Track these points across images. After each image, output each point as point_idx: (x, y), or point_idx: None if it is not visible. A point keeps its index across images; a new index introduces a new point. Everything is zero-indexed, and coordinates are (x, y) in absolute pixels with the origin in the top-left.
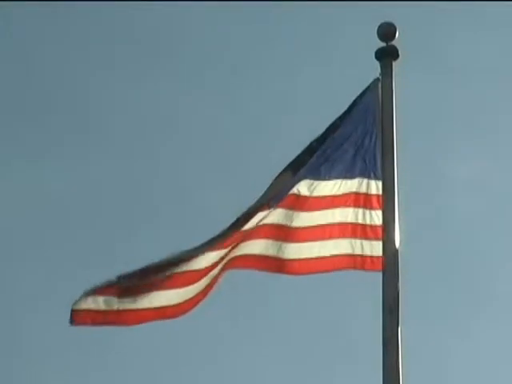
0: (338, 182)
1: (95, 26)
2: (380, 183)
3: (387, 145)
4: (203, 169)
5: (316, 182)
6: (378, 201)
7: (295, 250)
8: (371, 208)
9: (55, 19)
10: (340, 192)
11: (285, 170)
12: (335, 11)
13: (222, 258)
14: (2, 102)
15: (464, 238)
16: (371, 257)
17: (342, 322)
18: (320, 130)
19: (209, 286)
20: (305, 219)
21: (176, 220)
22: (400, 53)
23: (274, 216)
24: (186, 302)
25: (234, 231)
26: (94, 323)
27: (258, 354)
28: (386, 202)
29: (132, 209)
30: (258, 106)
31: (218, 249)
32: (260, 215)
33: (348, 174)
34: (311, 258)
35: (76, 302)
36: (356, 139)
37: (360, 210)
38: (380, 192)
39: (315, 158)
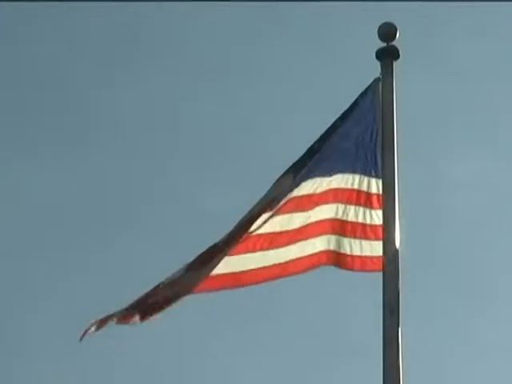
0: (340, 176)
1: (95, 25)
2: (380, 182)
3: (387, 144)
4: (203, 169)
5: (319, 180)
6: (378, 200)
7: (295, 251)
8: (371, 207)
9: (55, 19)
10: (343, 186)
11: (286, 172)
12: (335, 11)
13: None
14: (2, 102)
15: (464, 238)
16: (371, 257)
17: (343, 321)
18: (320, 130)
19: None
20: (307, 217)
21: (176, 220)
22: (400, 53)
23: (274, 223)
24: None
25: (240, 235)
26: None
27: (258, 354)
28: (386, 202)
29: (132, 209)
30: (258, 106)
31: (230, 255)
32: (263, 218)
33: (350, 170)
34: (311, 255)
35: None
36: (357, 137)
37: (361, 209)
38: (380, 191)
39: (316, 159)
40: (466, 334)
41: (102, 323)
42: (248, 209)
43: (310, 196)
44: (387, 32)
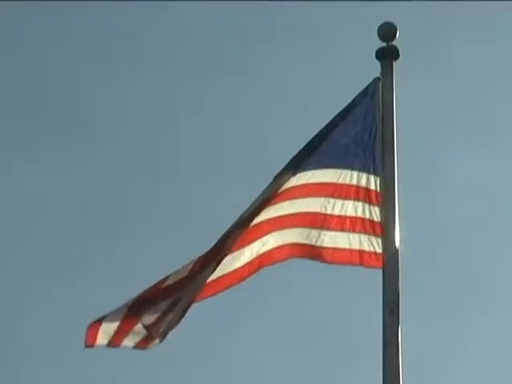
0: (339, 171)
1: (95, 25)
2: (378, 179)
3: (387, 144)
4: (204, 168)
5: (317, 171)
6: (377, 196)
7: (297, 236)
8: (370, 203)
9: (55, 19)
10: (340, 181)
11: (284, 169)
12: (335, 11)
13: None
14: (2, 102)
15: (464, 238)
16: (369, 252)
17: (343, 321)
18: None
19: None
20: (304, 204)
21: (176, 220)
22: (400, 53)
23: (293, 206)
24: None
25: (242, 230)
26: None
27: (258, 354)
28: (387, 202)
29: (133, 208)
30: (259, 106)
31: (232, 252)
32: (267, 209)
33: (349, 166)
34: (304, 244)
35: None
36: (356, 135)
37: (360, 204)
38: (378, 188)
39: (315, 154)
40: (466, 333)
41: (115, 342)
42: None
43: (304, 186)
44: (387, 32)
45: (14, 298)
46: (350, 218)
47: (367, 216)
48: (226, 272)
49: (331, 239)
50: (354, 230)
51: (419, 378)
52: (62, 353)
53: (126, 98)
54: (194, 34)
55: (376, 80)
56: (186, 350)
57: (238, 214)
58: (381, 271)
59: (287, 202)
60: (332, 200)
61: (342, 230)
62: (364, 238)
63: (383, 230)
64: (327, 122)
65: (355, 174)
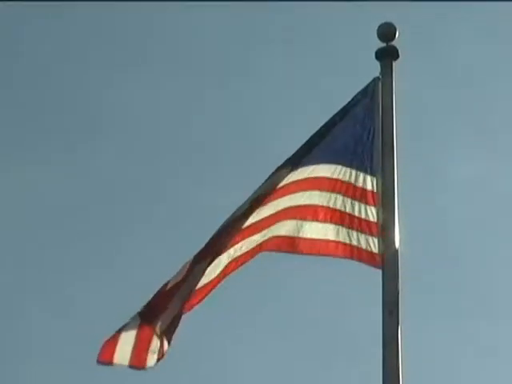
0: (339, 167)
1: (95, 25)
2: (375, 180)
3: (387, 145)
4: (203, 167)
5: (317, 166)
6: (373, 197)
7: (298, 228)
8: (366, 203)
9: (55, 19)
10: (341, 178)
11: (283, 165)
12: (335, 11)
13: (233, 257)
14: (2, 102)
15: (464, 238)
16: (366, 251)
17: (342, 322)
18: None
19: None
20: (304, 197)
21: (175, 220)
22: (400, 53)
23: (294, 199)
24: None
25: (236, 229)
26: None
27: (257, 354)
28: (386, 203)
29: (132, 209)
30: (259, 105)
31: (223, 251)
32: (261, 207)
33: (348, 163)
34: (311, 238)
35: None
36: (355, 134)
37: (356, 203)
38: (374, 188)
39: (316, 150)
40: (466, 333)
41: (138, 363)
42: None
43: (304, 180)
44: (387, 32)
45: (14, 298)
46: (349, 214)
47: (363, 216)
48: (216, 273)
49: (332, 232)
50: (352, 227)
51: (419, 378)
52: (61, 353)
53: (127, 99)
54: (195, 35)
55: (376, 80)
56: (184, 349)
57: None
58: (380, 271)
59: (287, 197)
60: (333, 195)
61: (343, 224)
62: (361, 236)
63: (383, 230)
64: (323, 123)
65: (354, 172)
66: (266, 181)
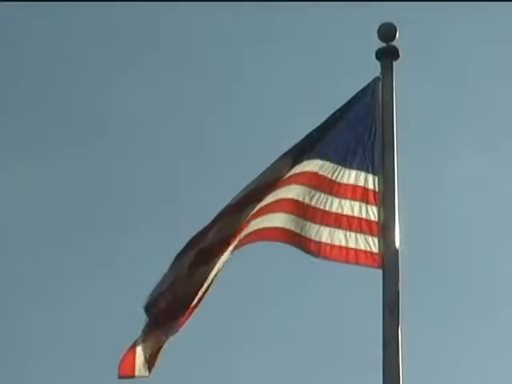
0: (339, 168)
1: (95, 25)
2: (376, 179)
3: (387, 145)
4: (202, 165)
5: (322, 162)
6: (374, 196)
7: (314, 231)
8: (367, 202)
9: (54, 19)
10: (338, 180)
11: (284, 155)
12: (335, 11)
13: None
14: (2, 102)
15: (464, 238)
16: (365, 251)
17: (342, 322)
18: None
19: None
20: (308, 196)
21: (175, 216)
22: (400, 53)
23: (291, 191)
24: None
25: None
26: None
27: (257, 354)
28: (386, 203)
29: (131, 208)
30: (258, 105)
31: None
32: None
33: (347, 164)
34: (311, 239)
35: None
36: (356, 133)
37: (356, 203)
38: (376, 188)
39: (319, 145)
40: (466, 333)
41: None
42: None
43: (302, 173)
44: (387, 32)
45: (14, 299)
46: (347, 216)
47: (364, 216)
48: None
49: (329, 235)
50: (350, 229)
51: (419, 378)
52: (61, 352)
53: (127, 99)
54: (195, 35)
55: (376, 79)
56: (184, 350)
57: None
58: (380, 271)
59: (289, 187)
60: (330, 197)
61: (340, 227)
62: (360, 237)
63: (383, 230)
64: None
65: (353, 172)
66: (264, 172)
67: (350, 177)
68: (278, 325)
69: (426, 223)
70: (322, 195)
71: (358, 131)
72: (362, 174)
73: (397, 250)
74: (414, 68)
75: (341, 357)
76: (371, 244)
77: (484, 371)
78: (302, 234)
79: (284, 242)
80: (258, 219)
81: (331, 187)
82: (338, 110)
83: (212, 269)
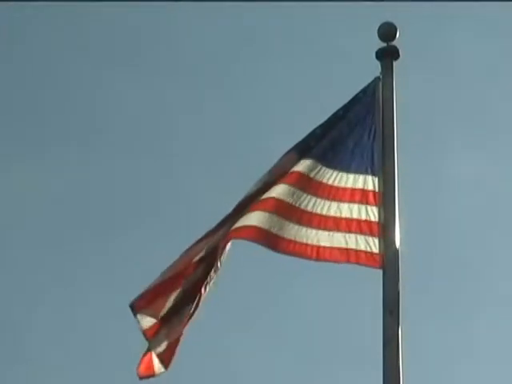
0: (336, 173)
1: (94, 25)
2: (376, 179)
3: (387, 144)
4: (203, 168)
5: (319, 166)
6: (374, 197)
7: (294, 232)
8: (367, 203)
9: (53, 19)
10: (336, 184)
11: (290, 151)
12: (335, 11)
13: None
14: (3, 103)
15: (464, 238)
16: (365, 252)
17: (343, 322)
18: None
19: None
20: (307, 203)
21: (175, 220)
22: (400, 53)
23: (277, 190)
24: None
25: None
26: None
27: (257, 354)
28: (386, 202)
29: (131, 209)
30: (257, 106)
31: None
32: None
33: (345, 168)
34: (308, 244)
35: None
36: (355, 135)
37: (355, 206)
38: (376, 188)
39: (320, 145)
40: (466, 333)
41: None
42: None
43: (310, 179)
44: (387, 32)
45: (14, 299)
46: (346, 219)
47: (363, 217)
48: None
49: (328, 238)
50: (349, 231)
51: (419, 379)
52: (62, 352)
53: (125, 99)
54: (193, 35)
55: (376, 79)
56: (183, 353)
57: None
58: (380, 272)
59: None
60: (327, 202)
61: (338, 230)
62: (360, 238)
63: (383, 230)
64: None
65: (351, 176)
66: (270, 171)
67: (348, 180)
68: (278, 325)
69: (426, 223)
70: (318, 200)
71: (357, 132)
72: (361, 176)
73: (397, 250)
74: (414, 68)
75: (341, 357)
76: (371, 244)
77: (484, 371)
78: (279, 234)
79: (252, 241)
80: (242, 217)
81: (328, 191)
82: (341, 108)
83: (212, 267)
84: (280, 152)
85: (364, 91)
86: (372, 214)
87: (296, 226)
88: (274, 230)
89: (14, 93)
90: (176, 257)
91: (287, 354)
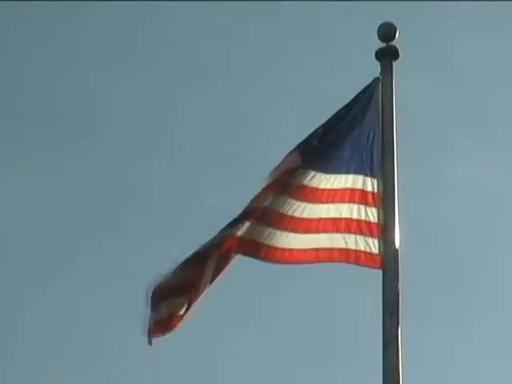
0: (333, 176)
1: (93, 25)
2: (375, 181)
3: (387, 145)
4: (203, 168)
5: (313, 173)
6: (373, 198)
7: (288, 240)
8: (366, 204)
9: (53, 19)
10: (335, 187)
11: (292, 152)
12: (335, 11)
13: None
14: (1, 103)
15: (464, 238)
16: (365, 252)
17: (343, 323)
18: None
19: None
20: (299, 209)
21: (176, 219)
22: (400, 53)
23: (274, 201)
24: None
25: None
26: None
27: (257, 355)
28: (386, 202)
29: (132, 209)
30: (258, 105)
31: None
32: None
33: (344, 170)
34: (301, 249)
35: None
36: (353, 137)
37: (355, 206)
38: (375, 190)
39: (318, 150)
40: (466, 334)
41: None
42: None
43: (304, 187)
44: (387, 32)
45: (14, 299)
46: (346, 219)
47: (363, 217)
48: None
49: (327, 239)
50: (349, 231)
51: (419, 379)
52: (62, 352)
53: (125, 99)
54: (192, 34)
55: (375, 80)
56: (185, 348)
57: (237, 213)
58: (380, 272)
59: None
60: (326, 205)
61: (338, 231)
62: (360, 238)
63: (383, 230)
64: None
65: (350, 177)
66: (273, 171)
67: (347, 181)
68: (278, 325)
69: (426, 223)
70: (315, 205)
71: (357, 133)
72: (360, 178)
73: (397, 251)
74: (414, 68)
75: (341, 357)
76: (371, 245)
77: (484, 371)
78: (275, 245)
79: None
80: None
81: (327, 195)
82: (342, 108)
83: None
84: (279, 152)
85: (364, 92)
86: (371, 215)
87: (290, 235)
88: (270, 242)
89: (13, 93)
90: (175, 256)
91: (287, 354)
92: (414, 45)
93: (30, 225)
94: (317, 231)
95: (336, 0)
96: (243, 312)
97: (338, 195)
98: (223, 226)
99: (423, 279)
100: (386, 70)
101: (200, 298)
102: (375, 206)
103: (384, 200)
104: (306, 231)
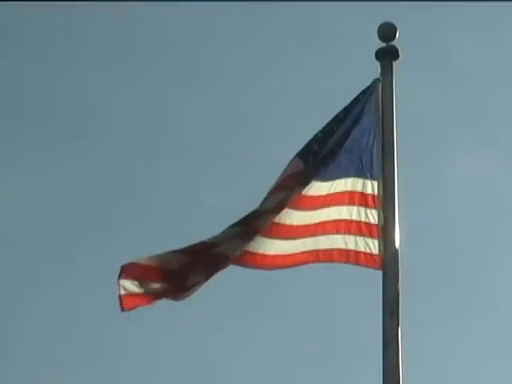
0: (334, 182)
1: (93, 25)
2: (376, 183)
3: (387, 145)
4: (203, 168)
5: (312, 183)
6: (374, 200)
7: (284, 246)
8: (366, 206)
9: (53, 19)
10: (334, 191)
11: (293, 158)
12: (335, 11)
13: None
14: (1, 103)
15: (464, 238)
16: (365, 253)
17: (343, 322)
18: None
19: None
20: (299, 217)
21: (176, 219)
22: (400, 53)
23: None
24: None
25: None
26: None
27: (257, 355)
28: (386, 202)
29: (133, 208)
30: (258, 106)
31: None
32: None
33: (343, 174)
34: (301, 252)
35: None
36: (353, 139)
37: (354, 208)
38: (375, 192)
39: (319, 155)
40: (466, 334)
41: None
42: (248, 207)
43: (302, 196)
44: (387, 32)
45: (14, 299)
46: (345, 221)
47: (363, 219)
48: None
49: (327, 241)
50: (349, 233)
51: (419, 379)
52: (62, 352)
53: (126, 98)
54: (192, 35)
55: (376, 81)
56: (185, 349)
57: (238, 213)
58: (380, 272)
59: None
60: (325, 209)
61: (338, 232)
62: (360, 239)
63: (383, 231)
64: (327, 122)
65: (350, 180)
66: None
67: (347, 184)
68: (278, 325)
69: (426, 224)
70: (313, 212)
71: (355, 136)
72: (360, 180)
73: (397, 251)
74: (414, 68)
75: (341, 357)
76: (371, 246)
77: (484, 371)
78: (272, 253)
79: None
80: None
81: (323, 200)
82: (341, 111)
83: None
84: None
85: (363, 93)
86: (371, 216)
87: (287, 241)
88: (267, 251)
89: (13, 93)
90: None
91: (287, 354)
92: (414, 45)
93: (30, 225)
94: (316, 234)
95: (336, 0)
96: (243, 312)
97: (338, 198)
98: (223, 227)
99: (423, 279)
100: (386, 70)
101: (179, 298)
102: (375, 207)
103: (384, 200)
104: (304, 236)
